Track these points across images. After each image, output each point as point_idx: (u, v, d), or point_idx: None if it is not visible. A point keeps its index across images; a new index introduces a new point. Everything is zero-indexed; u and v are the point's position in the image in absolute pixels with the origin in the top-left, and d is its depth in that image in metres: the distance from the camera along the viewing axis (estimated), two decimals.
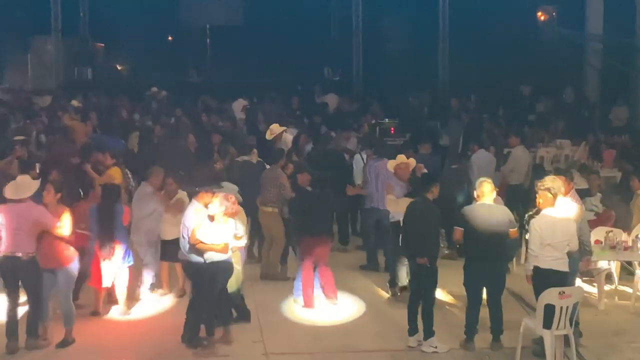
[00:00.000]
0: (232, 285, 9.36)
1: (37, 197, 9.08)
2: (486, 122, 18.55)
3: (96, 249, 9.89)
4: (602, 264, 10.72)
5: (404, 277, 10.52)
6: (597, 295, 10.67)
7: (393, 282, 10.81)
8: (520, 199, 13.02)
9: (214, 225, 8.83)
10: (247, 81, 23.72)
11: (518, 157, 14.17)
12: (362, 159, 13.19)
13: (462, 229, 9.03)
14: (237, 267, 9.48)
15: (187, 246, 8.91)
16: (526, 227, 10.05)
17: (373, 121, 18.64)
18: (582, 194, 11.06)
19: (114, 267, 9.88)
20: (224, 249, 8.84)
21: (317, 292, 10.51)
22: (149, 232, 10.49)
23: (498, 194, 9.69)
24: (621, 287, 11.10)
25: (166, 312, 10.29)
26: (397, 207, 10.47)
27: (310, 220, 10.40)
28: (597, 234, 10.71)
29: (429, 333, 9.09)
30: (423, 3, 24.63)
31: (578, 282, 9.98)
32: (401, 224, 9.78)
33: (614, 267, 10.97)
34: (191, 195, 9.54)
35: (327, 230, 10.71)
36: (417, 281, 9.32)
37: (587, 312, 9.90)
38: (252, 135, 15.65)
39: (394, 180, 11.26)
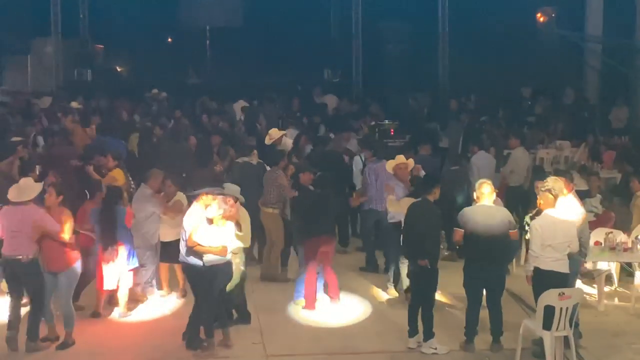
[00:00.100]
0: (235, 285, 9.37)
1: (39, 200, 9.11)
2: (486, 124, 18.55)
3: (99, 251, 9.90)
4: (602, 265, 10.72)
5: (407, 279, 10.52)
6: (597, 297, 10.67)
7: (400, 284, 10.79)
8: (520, 201, 13.04)
9: (212, 228, 8.82)
10: (247, 82, 23.71)
11: (518, 159, 14.18)
12: (362, 160, 13.21)
13: (462, 230, 9.03)
14: (242, 267, 9.53)
15: (185, 249, 8.91)
16: (526, 228, 10.08)
17: (372, 123, 18.65)
18: (582, 195, 11.08)
19: (118, 270, 9.88)
20: (222, 252, 8.83)
21: (319, 294, 10.52)
22: (146, 235, 10.48)
23: (497, 195, 9.70)
24: (621, 289, 11.09)
25: (166, 314, 10.30)
26: (398, 207, 10.48)
27: (313, 221, 10.40)
28: (597, 235, 10.71)
29: (428, 334, 9.09)
30: (423, 4, 24.64)
31: (578, 283, 9.98)
32: (402, 225, 9.79)
33: (614, 268, 10.97)
34: (190, 197, 9.55)
35: (331, 230, 10.70)
36: (418, 282, 9.32)
37: (587, 313, 9.91)
38: (250, 136, 15.66)
39: (393, 181, 11.26)
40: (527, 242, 9.91)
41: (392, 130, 18.54)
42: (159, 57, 26.07)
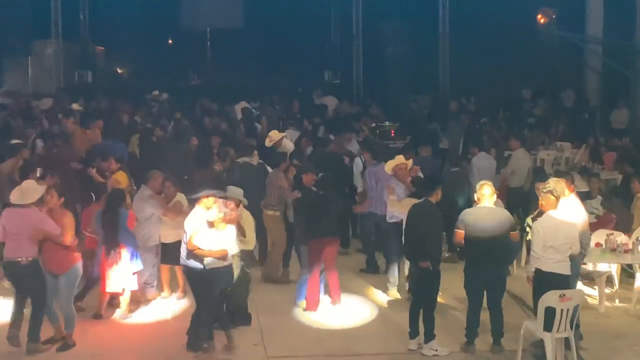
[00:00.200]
0: (239, 287, 9.40)
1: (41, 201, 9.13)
2: (486, 125, 18.56)
3: (102, 254, 9.91)
4: (603, 267, 10.72)
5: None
6: (597, 298, 10.66)
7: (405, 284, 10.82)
8: (521, 202, 13.01)
9: (213, 232, 8.80)
10: (248, 84, 23.74)
11: (519, 160, 14.18)
12: (362, 162, 13.21)
13: (463, 231, 9.03)
14: (246, 269, 9.59)
15: (186, 251, 8.90)
16: (527, 229, 10.08)
17: (373, 124, 18.65)
18: (583, 197, 11.07)
19: (121, 272, 9.88)
20: (222, 255, 8.81)
21: (320, 295, 10.52)
22: (145, 237, 10.47)
23: (498, 196, 9.69)
24: (622, 290, 11.09)
25: (168, 315, 10.28)
26: (400, 207, 10.47)
27: (316, 222, 10.40)
28: (598, 236, 10.70)
29: (429, 336, 9.08)
30: (423, 6, 24.67)
31: (579, 284, 9.97)
32: (402, 225, 9.78)
33: (615, 270, 10.97)
34: (192, 200, 9.54)
35: (334, 231, 10.71)
36: (420, 284, 9.32)
37: (587, 314, 9.89)
38: (249, 137, 15.66)
39: (393, 182, 11.26)
40: (528, 243, 9.92)
41: (392, 131, 18.55)
42: (159, 59, 26.14)
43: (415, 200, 9.76)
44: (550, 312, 8.34)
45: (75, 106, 19.53)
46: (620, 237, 10.68)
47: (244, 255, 9.65)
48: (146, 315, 10.27)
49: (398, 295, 10.91)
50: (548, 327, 8.39)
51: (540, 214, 8.98)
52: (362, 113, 20.08)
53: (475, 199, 9.22)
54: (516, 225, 9.38)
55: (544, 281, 8.58)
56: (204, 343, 8.93)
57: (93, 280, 10.17)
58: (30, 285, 8.91)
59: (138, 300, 10.44)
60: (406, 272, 10.71)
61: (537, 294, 8.62)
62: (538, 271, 8.67)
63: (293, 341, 9.49)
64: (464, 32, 23.71)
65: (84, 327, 9.44)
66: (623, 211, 11.99)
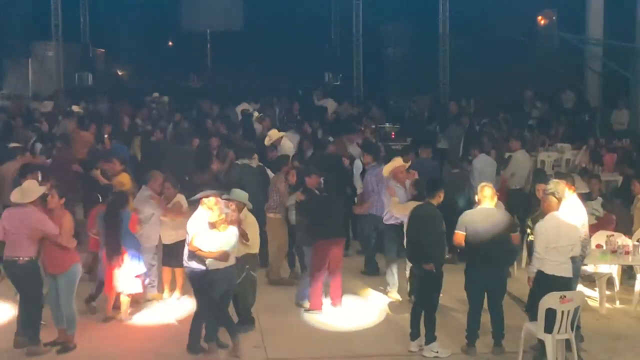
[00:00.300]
0: (246, 289, 9.42)
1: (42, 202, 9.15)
2: (487, 126, 18.55)
3: (103, 256, 9.91)
4: (603, 269, 10.71)
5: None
6: (598, 300, 10.66)
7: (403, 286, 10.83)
8: (521, 203, 13.01)
9: (214, 233, 8.79)
10: (248, 86, 23.75)
11: (519, 161, 14.18)
12: (362, 163, 13.20)
13: (463, 233, 9.02)
14: (252, 273, 9.61)
15: (187, 253, 8.89)
16: (528, 231, 10.08)
17: (373, 126, 18.64)
18: (583, 198, 11.04)
19: (124, 274, 9.86)
20: (223, 257, 8.80)
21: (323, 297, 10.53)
22: (144, 238, 10.45)
23: (498, 198, 9.67)
24: (622, 292, 11.07)
25: (168, 317, 10.25)
26: (403, 210, 10.45)
27: (320, 224, 10.39)
28: (598, 238, 10.70)
29: (430, 338, 9.07)
30: (423, 8, 24.68)
31: (579, 286, 9.96)
32: (401, 226, 9.76)
33: (615, 271, 10.95)
34: (193, 201, 9.52)
35: (339, 233, 10.69)
36: (422, 286, 9.31)
37: (588, 316, 9.89)
38: (247, 139, 15.65)
39: (393, 183, 11.25)
40: (529, 244, 9.91)
41: (392, 133, 18.54)
42: (159, 61, 26.15)
43: (418, 204, 9.75)
44: (551, 314, 8.34)
45: (75, 108, 19.53)
46: (621, 239, 10.68)
47: (249, 258, 9.63)
48: (147, 317, 10.25)
49: (398, 297, 10.91)
50: (549, 328, 8.38)
51: (541, 215, 8.98)
52: (363, 115, 20.08)
53: (476, 200, 9.22)
54: (516, 227, 9.37)
55: (545, 283, 8.57)
56: (204, 345, 8.92)
57: (101, 282, 10.18)
58: (26, 285, 8.90)
59: (138, 300, 10.43)
60: (407, 274, 10.70)
61: (536, 295, 8.59)
62: (540, 272, 8.66)
63: (294, 343, 9.47)
64: (464, 33, 23.72)
65: (84, 329, 9.41)
66: (623, 212, 11.99)
